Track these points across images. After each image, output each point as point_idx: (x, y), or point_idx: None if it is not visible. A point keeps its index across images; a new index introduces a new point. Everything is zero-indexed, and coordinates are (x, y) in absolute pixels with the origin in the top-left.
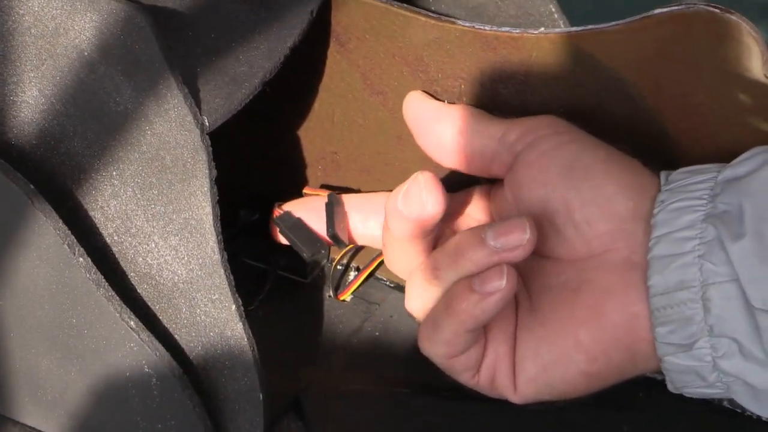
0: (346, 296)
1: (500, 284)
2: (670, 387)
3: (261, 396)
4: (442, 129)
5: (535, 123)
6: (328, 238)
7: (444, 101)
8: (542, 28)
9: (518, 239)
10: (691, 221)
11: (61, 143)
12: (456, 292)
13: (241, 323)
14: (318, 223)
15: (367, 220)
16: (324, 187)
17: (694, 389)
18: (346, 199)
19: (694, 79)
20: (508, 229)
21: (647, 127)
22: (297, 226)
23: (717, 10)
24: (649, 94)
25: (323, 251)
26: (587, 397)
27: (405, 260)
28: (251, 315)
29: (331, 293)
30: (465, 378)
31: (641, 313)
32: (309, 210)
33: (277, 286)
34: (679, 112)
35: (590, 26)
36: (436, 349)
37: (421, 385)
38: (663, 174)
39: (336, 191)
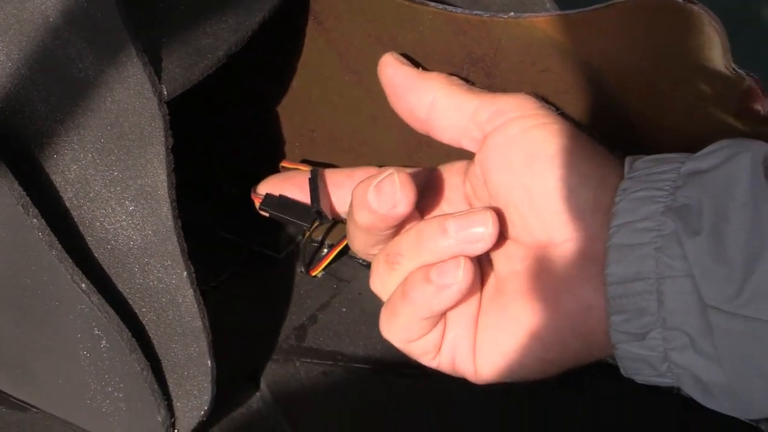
0: (318, 272)
1: (456, 277)
2: (623, 372)
3: (209, 362)
4: (415, 99)
5: (506, 104)
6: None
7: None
8: (512, 13)
9: (479, 233)
10: (651, 212)
11: (25, 107)
12: (413, 281)
13: (192, 290)
14: (301, 197)
15: (349, 196)
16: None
17: (645, 377)
18: (329, 174)
19: (657, 67)
20: (471, 222)
21: (614, 114)
22: (283, 204)
23: (679, 0)
24: (615, 81)
25: (318, 220)
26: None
27: (365, 243)
28: (221, 287)
29: (303, 269)
30: (425, 360)
31: (596, 304)
32: (290, 185)
33: (250, 259)
34: (644, 101)
35: (557, 12)
36: (394, 334)
37: (382, 363)
38: (628, 160)
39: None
